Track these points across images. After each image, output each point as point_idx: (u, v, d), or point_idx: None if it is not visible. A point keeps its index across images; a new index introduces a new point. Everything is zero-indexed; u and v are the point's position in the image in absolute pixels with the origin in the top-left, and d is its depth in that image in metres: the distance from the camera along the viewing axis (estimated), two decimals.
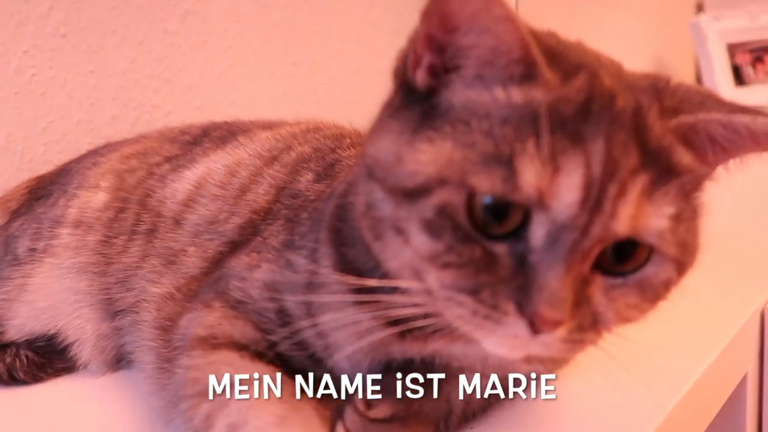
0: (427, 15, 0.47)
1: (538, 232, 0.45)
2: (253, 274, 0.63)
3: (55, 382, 0.77)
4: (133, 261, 0.76)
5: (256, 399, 0.53)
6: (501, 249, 0.46)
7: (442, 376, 0.56)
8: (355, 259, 0.56)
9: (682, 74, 2.58)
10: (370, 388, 0.56)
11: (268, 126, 0.90)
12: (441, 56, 0.49)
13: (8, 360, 0.76)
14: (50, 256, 0.78)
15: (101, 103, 1.08)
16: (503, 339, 0.46)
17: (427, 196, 0.46)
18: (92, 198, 0.81)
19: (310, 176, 0.72)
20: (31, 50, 0.98)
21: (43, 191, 0.89)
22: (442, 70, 0.49)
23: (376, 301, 0.51)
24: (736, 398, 0.81)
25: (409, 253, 0.47)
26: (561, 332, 0.45)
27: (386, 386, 0.56)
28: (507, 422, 0.61)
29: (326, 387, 0.59)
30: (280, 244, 0.64)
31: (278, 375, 0.57)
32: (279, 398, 0.54)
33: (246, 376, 0.55)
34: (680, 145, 0.48)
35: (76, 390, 0.75)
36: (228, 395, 0.53)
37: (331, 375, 0.58)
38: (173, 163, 0.85)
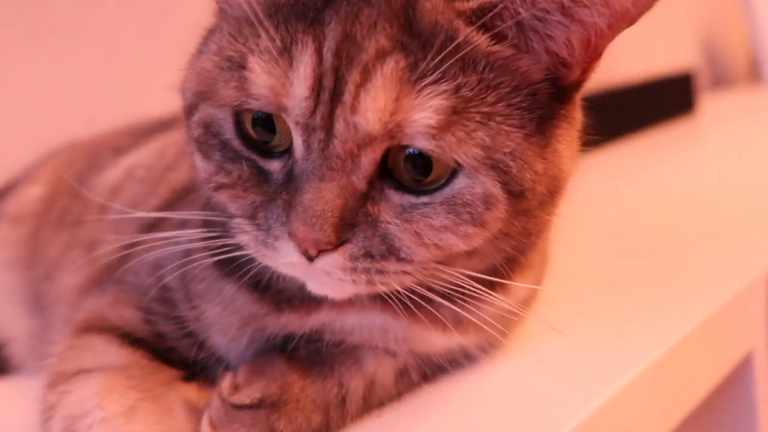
0: None
1: (297, 140, 0.39)
2: (149, 255, 0.58)
3: None
4: (57, 253, 0.72)
5: (105, 388, 0.47)
6: (274, 165, 0.41)
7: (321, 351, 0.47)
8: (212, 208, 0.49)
9: (733, 40, 2.33)
10: (242, 370, 0.47)
11: None
12: None
13: None
14: None
15: (79, 104, 1.07)
16: (287, 268, 0.41)
17: (194, 114, 0.43)
18: (29, 191, 0.79)
19: None
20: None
21: (3, 194, 0.88)
22: None
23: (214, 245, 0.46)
24: (740, 379, 0.64)
25: (199, 181, 0.44)
26: (338, 258, 0.39)
27: (260, 367, 0.47)
28: (424, 412, 0.50)
29: (208, 372, 0.51)
30: (180, 220, 0.59)
31: (144, 360, 0.50)
32: (134, 386, 0.47)
33: (104, 362, 0.49)
34: (471, 28, 0.39)
35: (7, 391, 0.72)
36: (73, 383, 0.47)
37: (213, 359, 0.51)
38: (117, 153, 0.82)
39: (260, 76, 0.39)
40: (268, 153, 0.41)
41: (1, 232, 0.76)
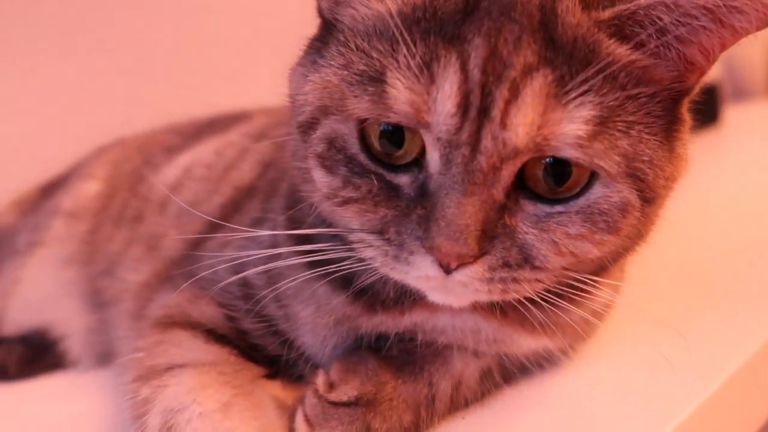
0: None
1: (433, 154, 0.39)
2: (223, 251, 0.58)
3: (46, 378, 0.74)
4: (118, 248, 0.72)
5: (200, 383, 0.47)
6: (403, 179, 0.41)
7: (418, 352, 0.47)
8: (301, 218, 0.49)
9: (753, 53, 2.34)
10: (335, 367, 0.47)
11: (269, 111, 0.86)
12: None
13: (1, 355, 0.74)
14: (42, 246, 0.76)
15: (118, 102, 1.08)
16: (420, 281, 0.41)
17: (315, 129, 0.42)
18: (85, 187, 0.79)
19: None
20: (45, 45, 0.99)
21: (52, 189, 0.88)
22: None
23: (323, 259, 0.45)
24: None
25: (318, 195, 0.43)
26: (477, 269, 0.39)
27: (353, 365, 0.47)
28: (509, 415, 0.50)
29: (292, 370, 0.51)
30: (251, 221, 0.59)
31: (232, 357, 0.50)
32: (227, 382, 0.48)
33: (194, 358, 0.49)
34: (612, 39, 0.39)
35: (64, 386, 0.72)
36: (168, 378, 0.47)
37: (300, 358, 0.52)
38: (170, 152, 0.82)
39: (402, 92, 0.38)
40: (393, 167, 0.41)
41: (59, 228, 0.76)
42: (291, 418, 0.47)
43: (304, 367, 0.52)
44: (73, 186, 0.81)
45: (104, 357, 0.73)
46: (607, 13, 0.39)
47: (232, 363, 0.50)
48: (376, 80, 0.39)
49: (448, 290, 0.42)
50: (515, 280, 0.41)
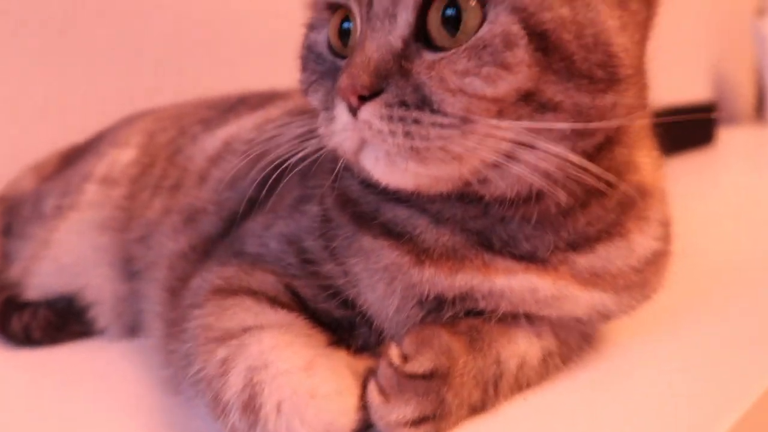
0: None
1: (357, 22, 0.48)
2: (270, 231, 0.58)
3: (71, 345, 0.72)
4: (154, 216, 0.71)
5: (284, 341, 0.47)
6: (345, 60, 0.48)
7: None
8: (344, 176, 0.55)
9: (741, 77, 2.42)
10: (408, 340, 0.48)
11: None
12: None
13: (25, 319, 0.73)
14: (75, 211, 0.75)
15: (141, 73, 1.06)
16: (343, 137, 0.46)
17: (304, 41, 0.54)
18: (121, 154, 0.78)
19: None
20: (68, 14, 0.97)
21: (77, 157, 0.87)
22: None
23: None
24: None
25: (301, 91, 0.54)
26: (375, 105, 0.43)
27: (427, 338, 0.48)
28: (567, 400, 0.51)
29: (356, 339, 0.51)
30: (294, 200, 0.60)
31: (302, 321, 0.50)
32: (306, 343, 0.48)
33: (268, 320, 0.49)
34: None
35: (90, 354, 0.71)
36: (247, 338, 0.47)
37: (363, 320, 0.52)
38: (206, 124, 0.81)
39: None
40: (344, 57, 0.50)
41: (93, 193, 0.75)
42: (362, 388, 0.46)
43: (368, 333, 0.52)
44: (107, 153, 0.79)
45: (132, 327, 0.72)
46: None
47: (303, 326, 0.50)
48: None
49: (367, 145, 0.45)
50: (416, 122, 0.43)
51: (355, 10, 0.47)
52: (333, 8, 0.51)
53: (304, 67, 0.53)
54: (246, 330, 0.48)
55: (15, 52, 0.95)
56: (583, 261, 0.50)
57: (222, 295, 0.53)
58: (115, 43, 1.05)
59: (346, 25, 0.50)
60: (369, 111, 0.44)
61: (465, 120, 0.43)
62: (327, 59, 0.51)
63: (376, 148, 0.45)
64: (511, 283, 0.49)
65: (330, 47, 0.51)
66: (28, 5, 0.96)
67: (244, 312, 0.50)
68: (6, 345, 0.73)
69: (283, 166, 0.66)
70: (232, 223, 0.65)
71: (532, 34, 0.42)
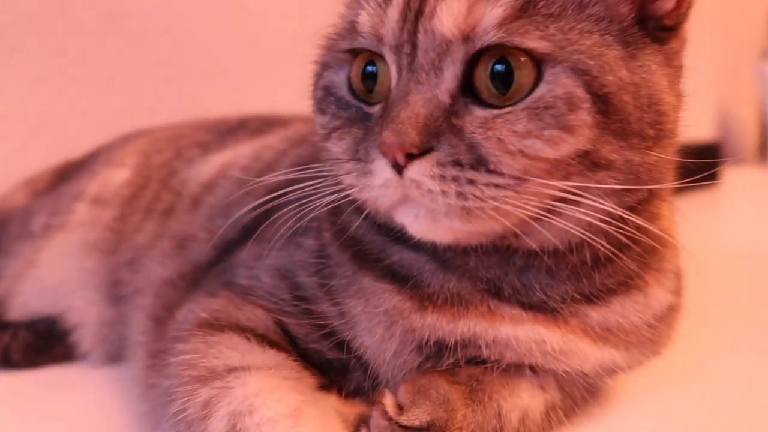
0: None
1: (392, 69, 0.45)
2: (262, 262, 0.56)
3: (51, 369, 0.70)
4: (145, 240, 0.69)
5: (269, 385, 0.44)
6: (375, 108, 0.46)
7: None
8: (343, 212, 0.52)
9: (746, 117, 2.43)
10: (404, 389, 0.45)
11: (309, 119, 0.84)
12: None
13: (5, 340, 0.70)
14: (63, 231, 0.73)
15: (140, 92, 1.06)
16: (382, 192, 0.43)
17: (318, 81, 0.51)
18: (114, 174, 0.76)
19: None
20: (71, 32, 0.96)
21: (70, 173, 0.85)
22: None
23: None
24: None
25: (318, 138, 0.51)
26: (425, 164, 0.41)
27: (423, 388, 0.45)
28: None
29: (348, 382, 0.49)
30: (287, 230, 0.57)
31: (291, 362, 0.48)
32: (294, 387, 0.45)
33: (255, 361, 0.47)
34: None
35: (70, 379, 0.68)
36: (232, 380, 0.45)
37: (357, 363, 0.49)
38: (203, 148, 0.80)
39: (365, 19, 0.46)
40: (370, 103, 0.47)
41: (83, 213, 0.73)
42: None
43: (362, 377, 0.50)
44: (100, 172, 0.78)
45: (115, 354, 0.70)
46: None
47: (292, 368, 0.48)
48: (353, 23, 0.47)
49: (413, 204, 0.43)
50: (471, 182, 0.41)
51: (391, 58, 0.45)
52: (356, 52, 0.48)
53: (323, 111, 0.50)
54: (231, 370, 0.45)
55: (15, 69, 0.95)
56: (596, 315, 0.48)
57: (208, 330, 0.50)
58: (114, 61, 1.04)
59: (369, 68, 0.47)
60: (418, 170, 0.41)
61: (520, 180, 0.42)
62: (350, 104, 0.48)
63: (418, 205, 0.43)
64: (518, 332, 0.47)
65: (352, 91, 0.49)
66: (29, 24, 0.96)
67: (231, 350, 0.48)
68: None
69: (278, 195, 0.65)
70: (224, 251, 0.63)
71: (595, 97, 0.42)
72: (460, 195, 0.41)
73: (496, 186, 0.41)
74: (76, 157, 0.91)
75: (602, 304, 0.49)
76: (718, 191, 1.83)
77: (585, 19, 0.43)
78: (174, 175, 0.75)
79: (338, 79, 0.50)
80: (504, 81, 0.42)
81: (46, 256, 0.72)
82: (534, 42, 0.41)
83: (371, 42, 0.46)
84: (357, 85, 0.48)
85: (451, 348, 0.47)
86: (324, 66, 0.51)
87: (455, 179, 0.41)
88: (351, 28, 0.48)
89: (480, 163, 0.41)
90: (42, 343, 0.71)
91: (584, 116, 0.41)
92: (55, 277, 0.71)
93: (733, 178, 2.02)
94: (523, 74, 0.42)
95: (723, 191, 1.84)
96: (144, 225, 0.70)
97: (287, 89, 1.23)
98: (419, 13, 0.43)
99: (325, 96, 0.50)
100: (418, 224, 0.44)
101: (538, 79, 0.42)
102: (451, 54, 0.42)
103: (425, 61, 0.43)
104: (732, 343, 0.72)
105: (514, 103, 0.42)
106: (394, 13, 0.44)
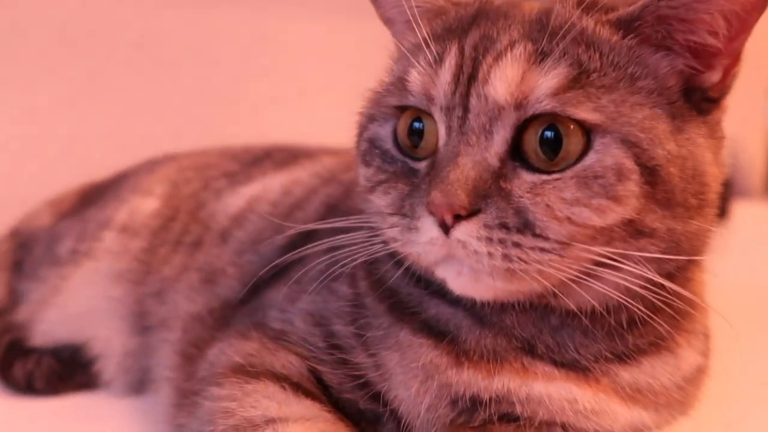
0: None
1: (440, 129, 0.46)
2: (295, 306, 0.57)
3: (73, 397, 0.70)
4: (172, 273, 0.70)
5: None
6: (421, 164, 0.47)
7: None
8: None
9: (754, 153, 2.44)
10: None
11: (335, 153, 0.85)
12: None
13: (29, 366, 0.71)
14: (91, 259, 0.73)
15: (166, 117, 1.07)
16: (427, 249, 0.44)
17: (362, 134, 0.52)
18: (143, 203, 0.77)
19: None
20: (102, 57, 0.98)
21: (96, 196, 0.85)
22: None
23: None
24: None
25: (362, 191, 0.52)
26: (472, 226, 0.42)
27: None
28: None
29: (380, 431, 0.50)
30: (319, 273, 0.58)
31: (327, 413, 0.48)
32: None
33: (292, 412, 0.47)
34: (602, 24, 0.45)
35: (92, 408, 0.68)
36: None
37: (391, 415, 0.50)
38: (231, 179, 0.80)
39: (416, 78, 0.47)
40: (416, 158, 0.48)
41: (111, 241, 0.74)
42: None
43: (395, 429, 0.50)
44: (129, 200, 0.78)
45: (138, 384, 0.70)
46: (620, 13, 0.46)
47: (328, 420, 0.48)
48: (403, 79, 0.48)
49: (457, 262, 0.44)
50: (516, 245, 0.42)
51: (440, 118, 0.46)
52: (404, 108, 0.49)
53: (368, 163, 0.51)
54: (269, 422, 0.46)
55: (47, 91, 0.96)
56: (627, 375, 0.49)
57: (243, 376, 0.51)
58: (142, 87, 1.05)
59: (416, 125, 0.48)
60: (465, 231, 0.42)
61: (565, 245, 0.43)
62: (396, 158, 0.49)
63: (462, 263, 0.44)
64: (550, 390, 0.48)
65: (397, 145, 0.50)
66: (62, 49, 0.98)
67: (267, 400, 0.48)
68: (6, 392, 0.71)
69: (309, 233, 0.66)
70: (253, 288, 0.63)
71: (643, 168, 0.43)
72: (506, 257, 0.42)
73: (542, 250, 0.42)
74: (100, 178, 0.92)
75: (633, 364, 0.50)
76: (728, 228, 1.83)
77: (637, 91, 0.44)
78: (202, 207, 0.75)
79: (383, 132, 0.51)
80: (552, 147, 0.43)
81: (72, 284, 0.72)
82: (586, 113, 0.42)
83: (421, 101, 0.47)
84: (403, 140, 0.49)
85: (485, 404, 0.48)
86: (369, 119, 0.52)
87: (501, 242, 0.42)
88: (400, 84, 0.49)
89: (526, 226, 0.42)
90: (65, 371, 0.71)
91: (632, 187, 0.42)
92: (82, 304, 0.72)
93: (742, 214, 2.03)
94: (572, 142, 0.43)
95: (732, 228, 1.84)
96: (172, 257, 0.71)
97: (310, 116, 1.24)
98: (472, 78, 0.44)
99: (369, 148, 0.51)
100: (460, 281, 0.45)
101: (586, 148, 0.43)
102: (502, 119, 0.43)
103: (476, 125, 0.44)
104: (750, 383, 0.72)
105: (562, 170, 0.43)
106: (446, 75, 0.45)
